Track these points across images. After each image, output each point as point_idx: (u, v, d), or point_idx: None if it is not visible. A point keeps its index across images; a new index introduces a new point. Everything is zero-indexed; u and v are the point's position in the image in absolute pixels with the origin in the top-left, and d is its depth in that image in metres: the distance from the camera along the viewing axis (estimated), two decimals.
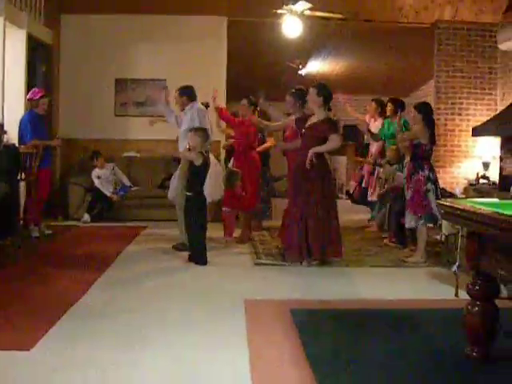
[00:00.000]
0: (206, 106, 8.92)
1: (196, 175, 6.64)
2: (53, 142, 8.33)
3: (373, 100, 9.31)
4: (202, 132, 6.75)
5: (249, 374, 3.45)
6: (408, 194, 6.88)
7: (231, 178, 7.76)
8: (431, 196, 6.69)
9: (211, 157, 7.71)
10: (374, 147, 8.98)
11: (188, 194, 6.67)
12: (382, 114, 8.96)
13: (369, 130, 9.24)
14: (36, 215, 7.94)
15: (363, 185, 9.13)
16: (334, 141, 6.51)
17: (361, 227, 9.29)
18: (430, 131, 6.86)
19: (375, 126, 9.06)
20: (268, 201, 9.73)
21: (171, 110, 7.71)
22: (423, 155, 6.80)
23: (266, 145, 9.13)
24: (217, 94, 8.30)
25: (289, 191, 7.09)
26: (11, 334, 4.09)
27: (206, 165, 6.68)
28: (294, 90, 7.34)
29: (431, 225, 6.94)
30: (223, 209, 8.00)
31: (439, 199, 6.65)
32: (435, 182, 6.86)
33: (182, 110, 7.47)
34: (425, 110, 6.95)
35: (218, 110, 8.22)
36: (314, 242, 6.46)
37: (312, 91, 6.66)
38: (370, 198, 8.91)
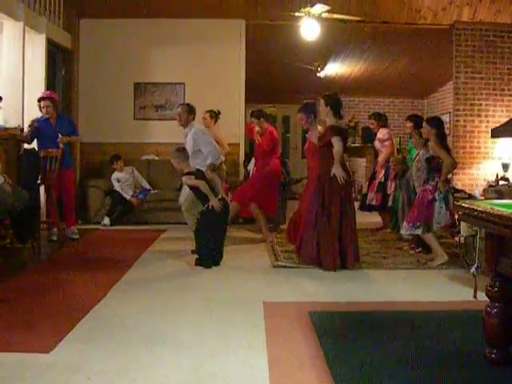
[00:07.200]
0: (218, 113, 8.98)
1: (203, 193, 6.67)
2: None
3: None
4: (177, 153, 6.76)
5: (267, 376, 3.46)
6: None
7: None
8: (437, 206, 6.72)
9: None
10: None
11: (204, 208, 6.69)
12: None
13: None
14: (56, 218, 7.98)
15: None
16: (335, 143, 6.56)
17: (375, 229, 9.28)
18: (443, 145, 6.85)
19: None
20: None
21: None
22: (436, 167, 6.82)
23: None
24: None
25: (305, 197, 7.01)
26: (31, 336, 4.12)
27: (204, 179, 6.70)
28: (302, 106, 7.10)
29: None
30: None
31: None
32: (447, 190, 6.85)
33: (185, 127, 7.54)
34: (437, 124, 6.95)
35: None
36: (329, 250, 6.50)
37: (321, 102, 6.78)
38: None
